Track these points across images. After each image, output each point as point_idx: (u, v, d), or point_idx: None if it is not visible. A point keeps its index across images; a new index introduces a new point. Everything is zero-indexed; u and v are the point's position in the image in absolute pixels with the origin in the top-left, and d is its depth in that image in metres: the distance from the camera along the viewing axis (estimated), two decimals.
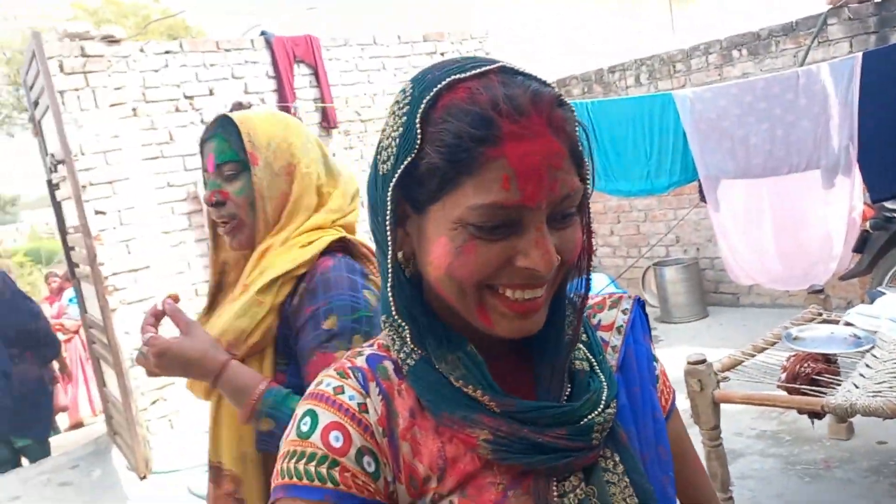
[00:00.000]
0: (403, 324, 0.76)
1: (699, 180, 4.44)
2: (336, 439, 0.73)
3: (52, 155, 5.13)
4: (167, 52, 5.95)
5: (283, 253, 1.36)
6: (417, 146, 0.69)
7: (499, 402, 0.71)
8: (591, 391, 0.75)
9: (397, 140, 0.70)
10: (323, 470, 0.72)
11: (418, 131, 0.68)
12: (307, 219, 1.40)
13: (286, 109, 6.39)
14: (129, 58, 5.75)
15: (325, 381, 0.78)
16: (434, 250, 0.71)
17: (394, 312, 0.76)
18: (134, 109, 5.75)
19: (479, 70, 0.69)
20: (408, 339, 0.76)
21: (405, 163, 0.69)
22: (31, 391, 5.24)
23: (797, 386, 2.69)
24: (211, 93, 6.10)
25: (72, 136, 5.14)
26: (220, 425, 1.38)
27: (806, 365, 2.76)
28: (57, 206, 5.41)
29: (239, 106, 5.44)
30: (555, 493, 0.72)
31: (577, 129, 0.71)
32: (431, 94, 0.68)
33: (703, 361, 2.77)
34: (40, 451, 5.46)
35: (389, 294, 0.76)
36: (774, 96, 4.05)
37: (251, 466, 1.35)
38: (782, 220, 4.24)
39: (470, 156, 0.66)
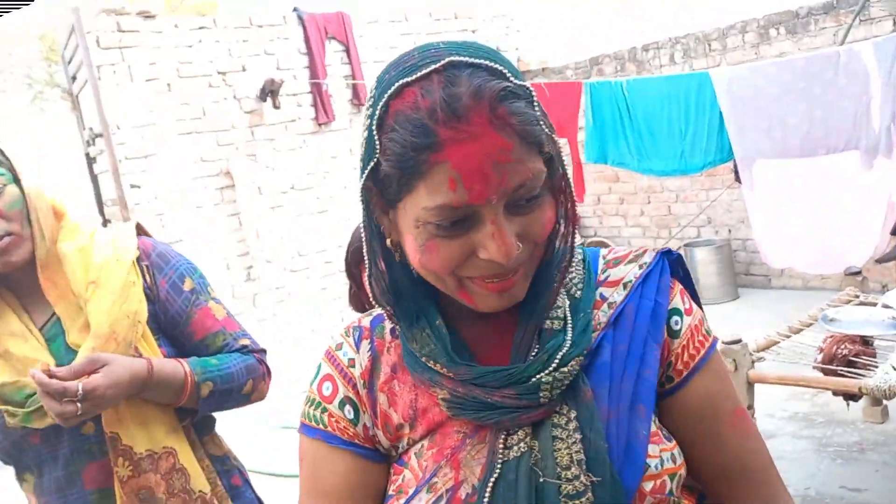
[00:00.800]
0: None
1: (734, 160, 4.39)
2: (326, 389, 0.88)
3: (90, 129, 5.20)
4: (201, 28, 5.99)
5: (110, 244, 1.44)
6: (377, 154, 0.73)
7: (455, 372, 0.79)
8: (545, 351, 0.78)
9: (363, 144, 0.75)
10: (317, 413, 0.87)
11: (376, 139, 0.72)
12: (69, 222, 1.46)
13: (318, 86, 6.41)
14: (164, 33, 5.79)
15: (336, 337, 0.91)
16: (406, 244, 0.77)
17: (371, 299, 0.84)
18: (168, 85, 5.80)
19: (425, 71, 0.70)
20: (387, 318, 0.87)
21: (369, 167, 0.74)
22: None
23: (833, 367, 2.68)
24: (243, 69, 6.14)
25: (109, 110, 5.21)
26: (141, 415, 1.37)
27: (843, 346, 2.75)
28: (94, 180, 5.49)
29: (272, 83, 5.48)
30: (500, 446, 0.78)
31: (531, 114, 0.72)
32: (382, 102, 0.72)
33: (739, 341, 2.76)
34: None
35: (366, 281, 0.84)
36: (814, 75, 3.98)
37: (180, 431, 1.42)
38: (819, 202, 4.18)
39: (416, 163, 0.69)
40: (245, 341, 1.50)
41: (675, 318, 0.86)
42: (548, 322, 0.81)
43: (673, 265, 0.89)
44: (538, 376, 0.77)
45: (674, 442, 0.83)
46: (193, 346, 1.47)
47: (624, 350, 0.82)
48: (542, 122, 0.73)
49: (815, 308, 3.19)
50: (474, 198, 0.69)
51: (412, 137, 0.69)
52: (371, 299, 0.84)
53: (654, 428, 0.81)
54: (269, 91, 6.13)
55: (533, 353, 0.79)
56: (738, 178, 4.49)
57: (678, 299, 0.87)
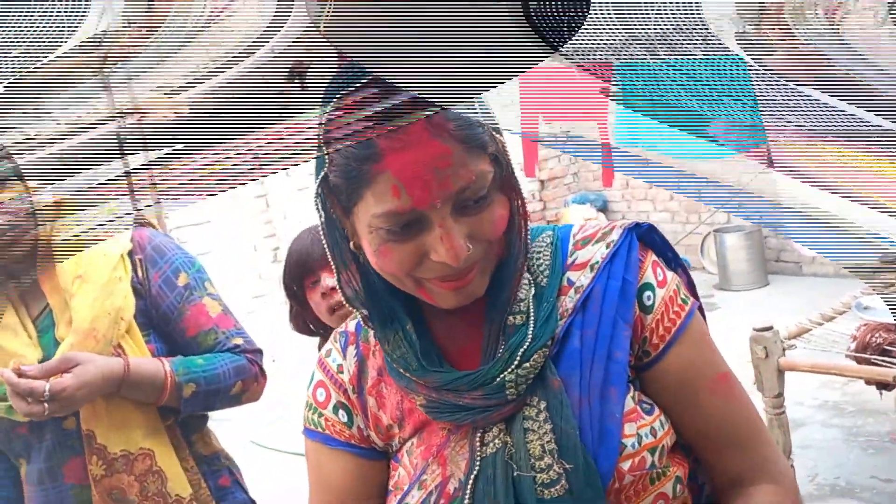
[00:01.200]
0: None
1: (767, 143, 4.32)
2: (320, 395, 0.92)
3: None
4: None
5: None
6: (326, 166, 0.76)
7: (426, 380, 0.81)
8: (507, 349, 0.80)
9: (315, 155, 0.78)
10: (315, 417, 0.92)
11: (325, 152, 0.75)
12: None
13: None
14: None
15: (327, 344, 0.94)
16: (364, 247, 0.79)
17: (345, 301, 0.86)
18: None
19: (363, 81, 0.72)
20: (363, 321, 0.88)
21: (320, 178, 0.77)
22: None
23: (867, 356, 2.63)
24: None
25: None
26: (119, 415, 1.37)
27: (877, 335, 2.69)
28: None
29: (299, 65, 5.46)
30: (478, 443, 0.81)
31: (470, 118, 0.73)
32: (325, 114, 0.74)
33: (770, 328, 2.72)
34: None
35: (338, 284, 0.86)
36: (853, 56, 3.88)
37: (162, 432, 1.40)
38: (854, 187, 4.10)
39: (360, 173, 0.72)
40: (238, 340, 1.48)
41: (647, 293, 0.85)
42: (510, 318, 0.82)
43: (646, 235, 0.88)
44: (502, 375, 0.78)
45: (655, 413, 0.83)
46: (185, 342, 1.45)
47: (593, 334, 0.82)
48: (482, 124, 0.74)
49: (848, 295, 3.12)
50: (418, 203, 0.71)
51: (353, 149, 0.72)
52: (344, 303, 0.86)
53: (631, 405, 0.82)
54: (298, 72, 6.13)
55: (500, 351, 0.80)
56: (770, 163, 4.42)
57: (650, 273, 0.86)
